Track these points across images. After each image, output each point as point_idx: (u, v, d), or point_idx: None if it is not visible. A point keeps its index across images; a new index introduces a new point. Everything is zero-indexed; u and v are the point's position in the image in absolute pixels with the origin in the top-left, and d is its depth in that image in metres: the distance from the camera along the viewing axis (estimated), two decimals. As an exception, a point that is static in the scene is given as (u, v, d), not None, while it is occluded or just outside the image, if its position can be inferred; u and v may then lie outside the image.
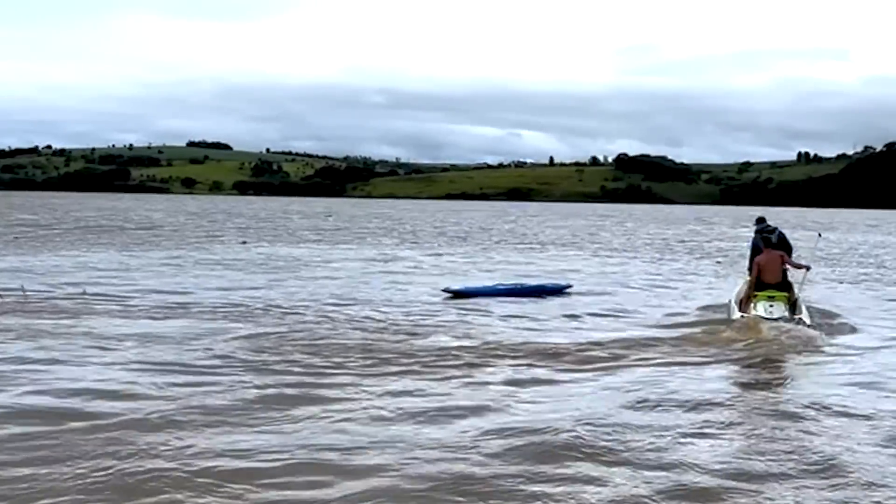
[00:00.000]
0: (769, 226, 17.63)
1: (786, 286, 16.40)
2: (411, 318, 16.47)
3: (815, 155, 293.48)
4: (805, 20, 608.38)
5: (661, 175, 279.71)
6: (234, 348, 12.75)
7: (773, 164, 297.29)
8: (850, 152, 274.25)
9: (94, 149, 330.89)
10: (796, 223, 70.98)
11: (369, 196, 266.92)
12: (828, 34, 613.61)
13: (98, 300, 17.70)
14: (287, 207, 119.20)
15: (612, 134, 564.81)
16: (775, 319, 15.29)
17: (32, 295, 17.97)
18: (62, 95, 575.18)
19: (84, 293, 18.48)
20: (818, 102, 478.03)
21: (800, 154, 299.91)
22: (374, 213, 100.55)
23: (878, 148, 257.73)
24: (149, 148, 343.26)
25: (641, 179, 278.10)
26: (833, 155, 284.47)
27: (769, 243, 17.13)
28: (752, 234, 17.95)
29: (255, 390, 10.21)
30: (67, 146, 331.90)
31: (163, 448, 7.95)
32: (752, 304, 16.09)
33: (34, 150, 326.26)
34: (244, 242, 39.45)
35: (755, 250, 17.32)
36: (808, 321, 15.55)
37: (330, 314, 16.56)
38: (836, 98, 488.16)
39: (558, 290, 21.09)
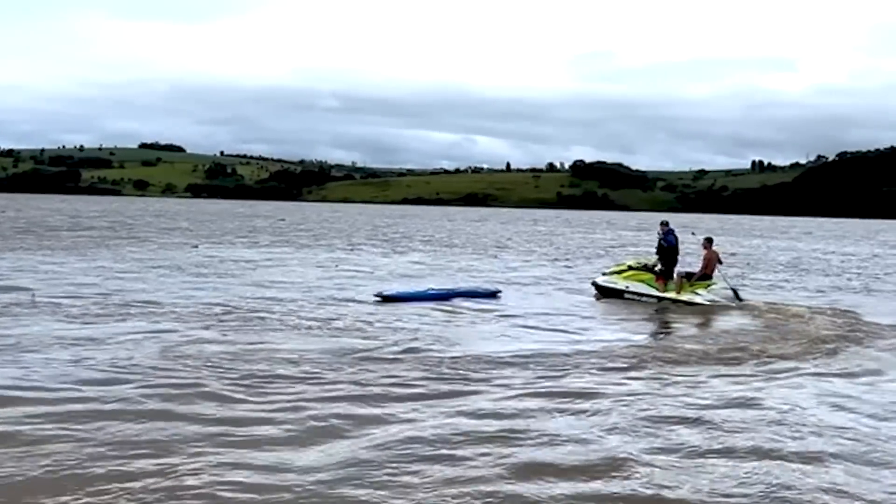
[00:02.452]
0: (673, 229, 21.56)
1: None
2: (360, 325, 15.69)
3: (770, 163, 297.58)
4: (752, 30, 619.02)
5: (618, 182, 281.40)
6: (157, 354, 11.95)
7: (728, 172, 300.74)
8: (804, 161, 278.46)
9: (43, 150, 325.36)
10: (747, 230, 71.25)
11: (325, 200, 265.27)
12: (774, 44, 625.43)
13: (47, 304, 16.79)
14: (240, 210, 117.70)
15: (566, 140, 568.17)
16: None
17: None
18: (8, 94, 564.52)
19: (33, 297, 17.58)
20: (768, 112, 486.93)
21: (754, 162, 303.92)
22: (325, 218, 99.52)
23: (831, 157, 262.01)
24: (100, 149, 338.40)
25: (597, 186, 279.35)
26: (786, 164, 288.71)
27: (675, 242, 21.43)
28: (666, 235, 21.37)
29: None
30: (15, 147, 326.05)
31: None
32: (692, 291, 20.50)
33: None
34: (195, 246, 38.16)
35: (673, 248, 21.31)
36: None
37: (261, 317, 16.17)
38: (785, 108, 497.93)
39: (489, 295, 20.85)
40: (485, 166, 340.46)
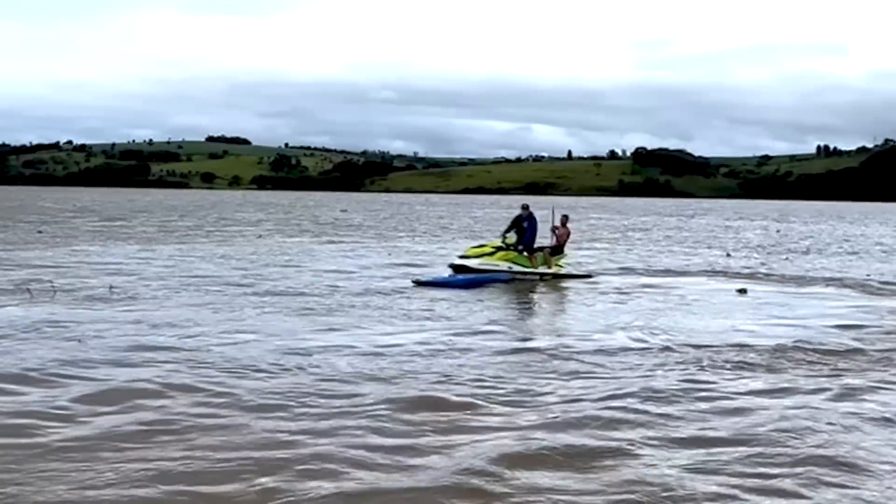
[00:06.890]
0: (532, 212, 23.03)
1: None
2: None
3: (835, 148, 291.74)
4: (802, 15, 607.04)
5: (679, 169, 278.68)
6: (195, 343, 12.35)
7: (793, 158, 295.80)
8: (870, 145, 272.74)
9: (114, 144, 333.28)
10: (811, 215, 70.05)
11: (388, 191, 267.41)
12: (825, 29, 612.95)
13: (121, 294, 17.84)
14: (303, 202, 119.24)
15: (623, 128, 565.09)
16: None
17: (59, 288, 18.18)
18: (75, 92, 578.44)
19: (111, 288, 18.56)
20: (825, 97, 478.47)
21: (819, 147, 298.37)
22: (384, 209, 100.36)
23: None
24: (168, 143, 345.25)
25: (659, 173, 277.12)
26: (852, 148, 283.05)
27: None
28: (528, 218, 22.83)
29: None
30: (87, 142, 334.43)
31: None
32: (557, 264, 22.90)
33: (55, 146, 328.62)
34: (259, 237, 40.07)
35: (534, 227, 22.77)
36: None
37: (306, 300, 17.27)
38: (842, 92, 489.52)
39: (506, 281, 22.00)
40: (545, 155, 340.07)
